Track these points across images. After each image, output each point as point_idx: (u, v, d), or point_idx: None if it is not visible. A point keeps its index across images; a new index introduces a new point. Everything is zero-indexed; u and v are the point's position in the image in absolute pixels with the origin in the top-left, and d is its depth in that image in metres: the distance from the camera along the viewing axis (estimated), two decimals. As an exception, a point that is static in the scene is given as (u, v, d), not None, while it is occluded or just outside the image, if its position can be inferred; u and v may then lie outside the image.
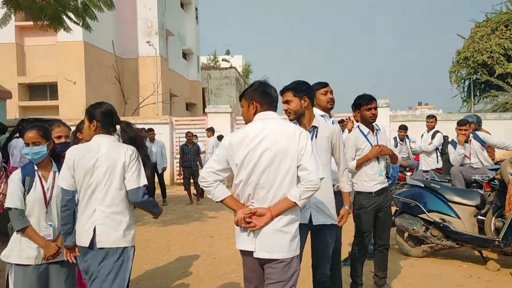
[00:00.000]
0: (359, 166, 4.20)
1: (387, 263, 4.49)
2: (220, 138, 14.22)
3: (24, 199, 3.07)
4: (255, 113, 2.88)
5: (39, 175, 3.16)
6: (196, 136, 12.85)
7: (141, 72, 23.70)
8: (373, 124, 4.33)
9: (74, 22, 7.76)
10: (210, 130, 13.47)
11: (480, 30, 23.61)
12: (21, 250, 3.06)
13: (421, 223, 5.51)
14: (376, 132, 4.34)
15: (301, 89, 3.35)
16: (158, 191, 10.75)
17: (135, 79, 23.62)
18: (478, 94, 25.15)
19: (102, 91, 21.21)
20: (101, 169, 2.89)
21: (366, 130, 4.30)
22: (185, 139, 12.17)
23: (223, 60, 41.90)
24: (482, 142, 6.44)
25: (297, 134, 2.72)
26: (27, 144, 3.12)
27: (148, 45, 22.95)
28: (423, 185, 5.68)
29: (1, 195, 5.96)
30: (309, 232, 3.39)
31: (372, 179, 4.21)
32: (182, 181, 11.80)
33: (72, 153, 2.96)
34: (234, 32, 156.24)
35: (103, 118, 3.02)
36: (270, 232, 2.72)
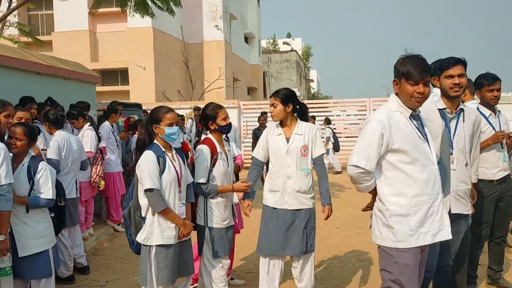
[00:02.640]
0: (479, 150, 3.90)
1: (503, 255, 4.20)
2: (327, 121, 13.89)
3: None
4: None
5: (168, 156, 3.19)
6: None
7: (206, 56, 23.90)
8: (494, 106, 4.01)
9: (159, 7, 7.83)
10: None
11: None
12: (161, 231, 3.11)
13: (531, 214, 5.10)
14: (498, 114, 4.02)
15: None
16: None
17: (199, 63, 23.88)
18: None
19: (170, 76, 21.67)
20: None
21: (487, 112, 3.98)
22: (256, 124, 12.10)
23: (284, 43, 41.51)
24: None
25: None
26: (170, 124, 3.17)
27: (217, 29, 23.10)
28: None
29: (98, 176, 6.22)
30: None
31: (495, 165, 3.90)
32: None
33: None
34: (293, 15, 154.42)
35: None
36: (372, 213, 2.84)
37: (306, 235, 3.71)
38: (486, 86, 3.96)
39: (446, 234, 2.73)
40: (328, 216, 3.78)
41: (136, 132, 7.58)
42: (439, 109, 3.14)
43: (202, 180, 3.45)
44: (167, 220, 3.12)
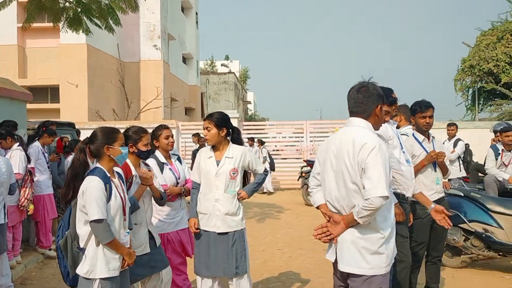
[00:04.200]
0: (415, 173, 4.09)
1: (439, 274, 4.40)
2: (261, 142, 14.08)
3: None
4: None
5: (113, 182, 3.01)
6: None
7: (143, 75, 23.47)
8: (429, 132, 4.25)
9: (96, 25, 7.59)
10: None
11: (485, 39, 23.63)
12: (106, 263, 2.90)
13: (461, 233, 5.40)
14: (432, 140, 4.25)
15: None
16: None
17: (136, 82, 23.38)
18: (482, 102, 25.31)
19: (105, 94, 21.01)
20: None
21: (421, 137, 4.22)
22: (193, 144, 12.11)
23: (222, 65, 41.80)
24: (525, 151, 6.34)
25: (360, 144, 2.55)
26: (122, 145, 3.05)
27: (155, 48, 22.81)
28: (462, 194, 5.58)
29: (26, 200, 5.82)
30: None
31: (429, 188, 4.11)
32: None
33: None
34: (231, 37, 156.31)
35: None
36: (348, 243, 2.63)
37: (236, 258, 3.68)
38: (419, 113, 4.19)
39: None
40: (239, 196, 3.77)
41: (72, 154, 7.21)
42: None
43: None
44: (112, 251, 2.93)
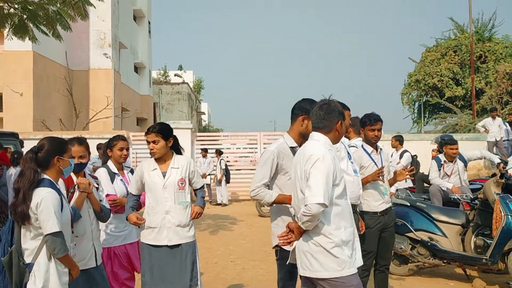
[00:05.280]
0: (363, 185, 4.19)
1: (387, 283, 4.50)
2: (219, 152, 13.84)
3: None
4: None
5: (63, 194, 2.92)
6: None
7: (92, 84, 22.80)
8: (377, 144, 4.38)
9: (43, 32, 7.32)
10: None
11: (430, 55, 24.93)
12: (59, 277, 2.80)
13: (408, 242, 5.57)
14: (380, 151, 4.38)
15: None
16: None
17: (85, 91, 22.64)
18: (427, 115, 26.56)
19: (51, 103, 20.26)
20: None
21: (370, 149, 4.35)
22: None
23: (175, 75, 41.42)
24: (466, 163, 6.65)
25: (307, 156, 2.75)
26: (72, 157, 3.07)
27: (105, 57, 22.28)
28: (409, 204, 5.77)
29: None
30: None
31: (378, 198, 4.23)
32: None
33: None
34: (184, 48, 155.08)
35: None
36: (303, 247, 2.79)
37: (190, 269, 3.62)
38: (368, 125, 4.33)
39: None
40: (194, 213, 3.69)
41: (19, 166, 6.88)
42: (291, 147, 3.37)
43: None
44: (62, 265, 2.83)
